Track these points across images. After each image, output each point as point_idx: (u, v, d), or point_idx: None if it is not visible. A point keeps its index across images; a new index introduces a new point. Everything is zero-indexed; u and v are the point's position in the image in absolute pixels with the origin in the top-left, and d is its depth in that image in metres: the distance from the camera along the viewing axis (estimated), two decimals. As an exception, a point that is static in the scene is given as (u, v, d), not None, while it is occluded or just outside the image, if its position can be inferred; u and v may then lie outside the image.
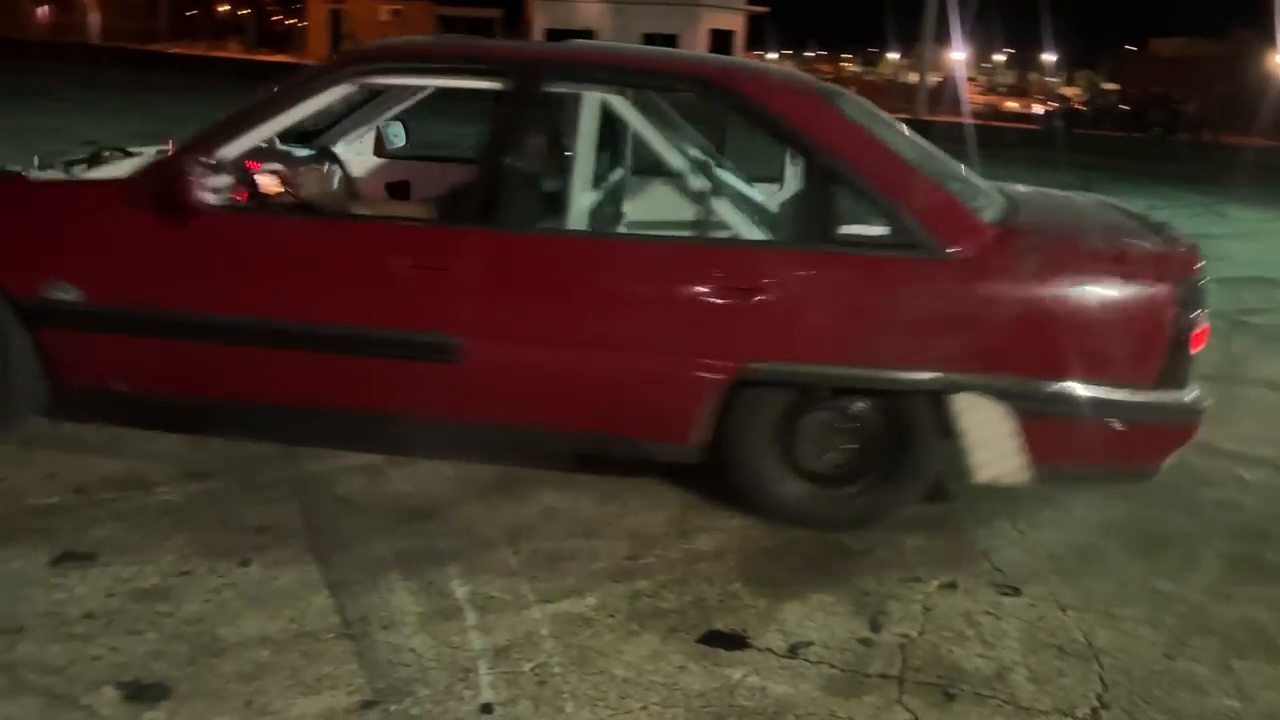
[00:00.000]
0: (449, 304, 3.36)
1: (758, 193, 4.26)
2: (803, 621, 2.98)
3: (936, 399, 3.32)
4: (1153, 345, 3.22)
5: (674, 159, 3.68)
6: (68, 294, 3.46)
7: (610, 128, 3.75)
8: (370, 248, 3.45)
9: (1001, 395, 3.25)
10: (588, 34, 40.05)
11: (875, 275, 3.30)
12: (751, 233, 3.50)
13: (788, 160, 4.28)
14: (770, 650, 2.83)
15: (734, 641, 2.86)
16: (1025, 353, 3.26)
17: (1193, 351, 3.27)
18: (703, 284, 3.30)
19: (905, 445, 3.43)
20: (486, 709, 2.48)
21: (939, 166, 3.76)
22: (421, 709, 2.46)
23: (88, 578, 2.90)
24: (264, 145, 3.83)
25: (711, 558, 3.32)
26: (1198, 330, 3.26)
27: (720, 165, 4.21)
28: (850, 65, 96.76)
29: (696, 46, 43.31)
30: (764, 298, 3.28)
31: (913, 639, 2.94)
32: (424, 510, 3.47)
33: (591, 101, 3.48)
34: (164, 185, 3.32)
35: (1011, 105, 60.18)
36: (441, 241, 3.41)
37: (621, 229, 4.14)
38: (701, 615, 2.97)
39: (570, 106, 3.61)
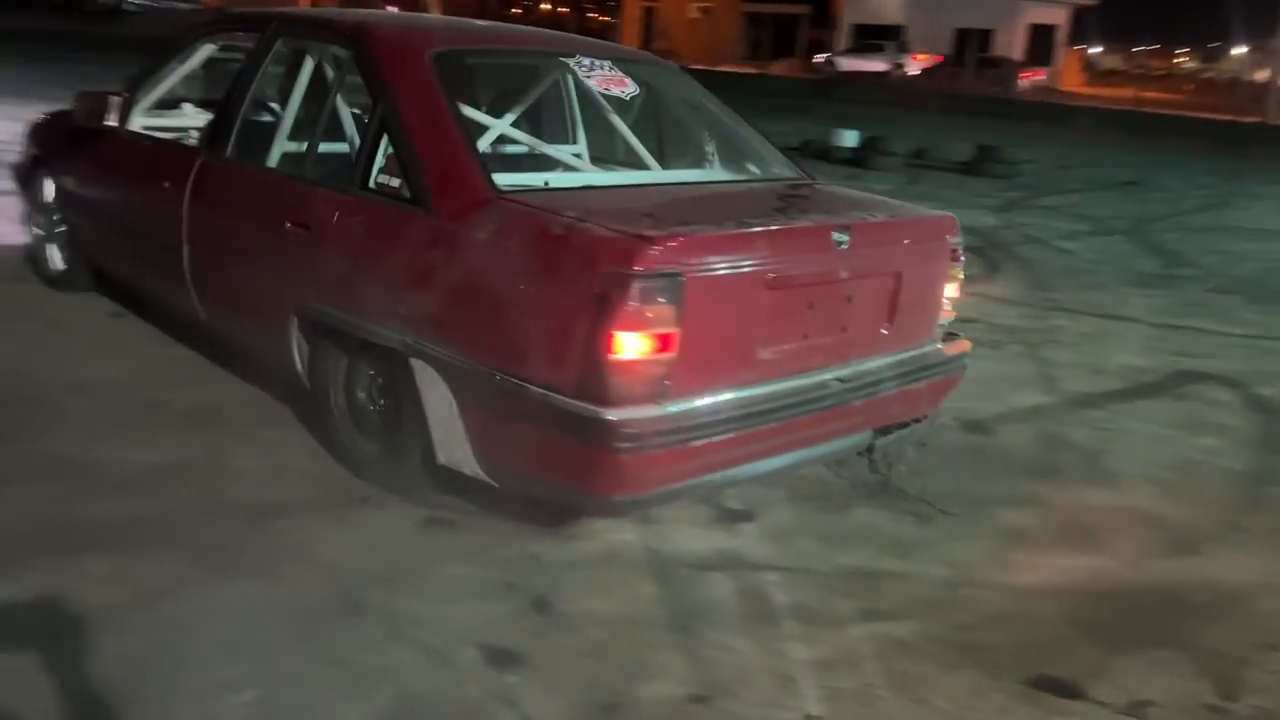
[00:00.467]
0: (177, 213, 3.94)
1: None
2: (1142, 677, 2.82)
3: (405, 361, 3.10)
4: (577, 348, 2.67)
5: (320, 105, 3.70)
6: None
7: (319, 79, 3.88)
8: (145, 165, 4.37)
9: (446, 371, 2.96)
10: (896, 29, 39.26)
11: (374, 224, 3.24)
12: (312, 172, 3.58)
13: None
14: (1106, 704, 2.69)
15: (1065, 689, 2.74)
16: (468, 330, 2.94)
17: (626, 358, 2.63)
18: (275, 219, 3.52)
19: (399, 407, 3.24)
20: (811, 720, 2.53)
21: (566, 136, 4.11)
22: (748, 711, 2.55)
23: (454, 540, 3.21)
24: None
25: (1038, 596, 3.20)
26: (640, 336, 2.63)
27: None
28: (1186, 61, 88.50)
29: (1014, 41, 41.29)
30: (308, 237, 3.38)
31: (1273, 715, 2.70)
32: (743, 512, 3.57)
33: (297, 55, 3.93)
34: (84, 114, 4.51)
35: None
36: (181, 163, 4.02)
37: (271, 165, 3.82)
38: (1028, 657, 2.87)
39: (286, 60, 4.06)
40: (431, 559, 3.10)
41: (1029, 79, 35.74)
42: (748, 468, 3.09)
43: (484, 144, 3.45)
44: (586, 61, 3.68)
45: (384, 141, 3.27)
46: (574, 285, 2.68)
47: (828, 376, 3.15)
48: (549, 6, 69.43)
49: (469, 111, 3.48)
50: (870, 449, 3.52)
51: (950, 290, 3.54)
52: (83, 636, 2.57)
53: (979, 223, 10.26)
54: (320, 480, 3.50)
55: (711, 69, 35.29)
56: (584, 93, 4.03)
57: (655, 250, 2.63)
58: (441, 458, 3.10)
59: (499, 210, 2.95)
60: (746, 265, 2.86)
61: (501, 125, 3.63)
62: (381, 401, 3.35)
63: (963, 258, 3.55)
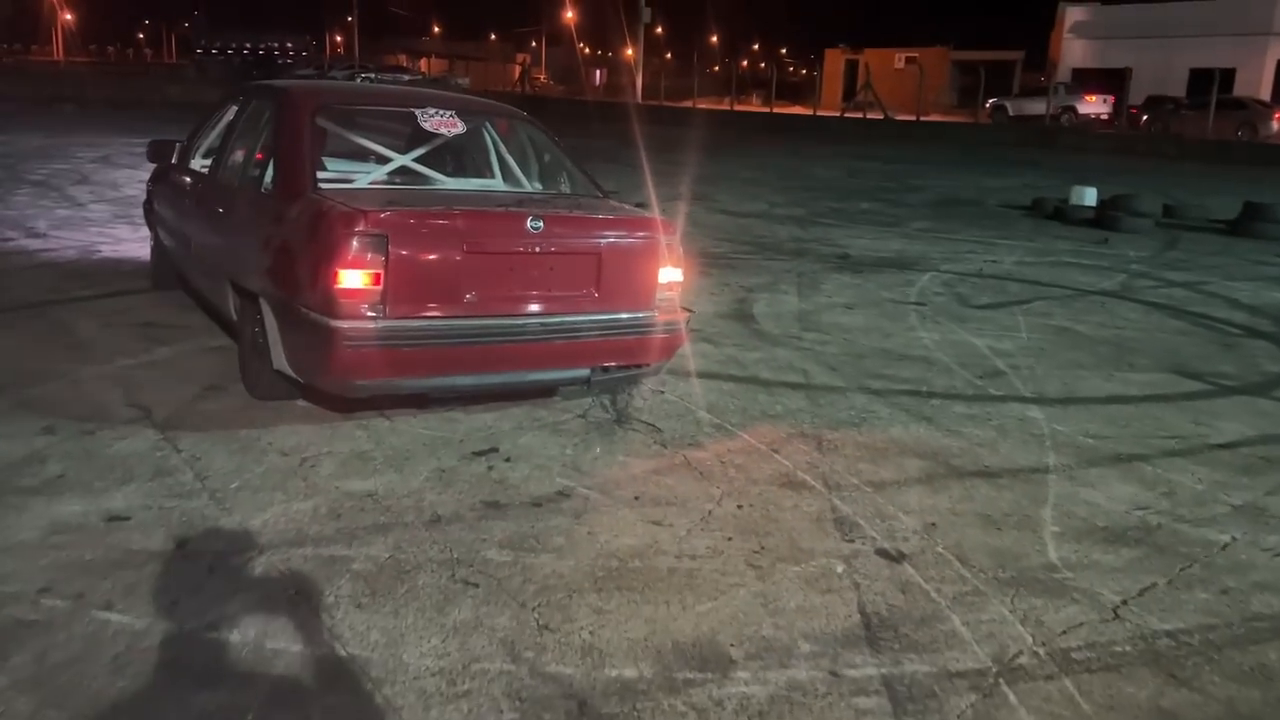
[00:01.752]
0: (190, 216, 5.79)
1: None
2: None
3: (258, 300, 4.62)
4: (322, 281, 4.08)
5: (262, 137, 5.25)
6: None
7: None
8: (182, 189, 6.07)
9: (272, 304, 4.40)
10: (1121, 71, 36.34)
11: (256, 207, 4.81)
12: (249, 179, 5.15)
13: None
14: None
15: None
16: (280, 275, 4.37)
17: (348, 287, 4.02)
18: (222, 211, 5.33)
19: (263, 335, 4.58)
20: None
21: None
22: None
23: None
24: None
25: None
26: (356, 274, 4.04)
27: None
28: None
29: (1261, 79, 37.69)
30: (232, 221, 5.15)
31: None
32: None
33: (260, 108, 5.39)
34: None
35: None
36: (194, 184, 5.87)
37: (234, 179, 5.41)
38: None
39: (255, 111, 5.45)
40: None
41: (1280, 120, 32.23)
42: (463, 377, 4.33)
43: (384, 172, 4.99)
44: (431, 111, 4.99)
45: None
46: (322, 241, 4.06)
47: (530, 321, 4.36)
48: (747, 64, 69.55)
49: (374, 145, 5.13)
50: (588, 381, 4.63)
51: (671, 274, 4.69)
52: None
53: (1269, 301, 8.59)
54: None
55: (915, 119, 33.84)
56: (500, 138, 5.63)
57: (367, 220, 3.99)
58: (275, 364, 4.36)
59: (306, 199, 4.34)
60: (444, 235, 4.18)
61: (403, 159, 5.06)
62: (258, 333, 4.51)
63: (679, 250, 4.74)
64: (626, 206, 5.12)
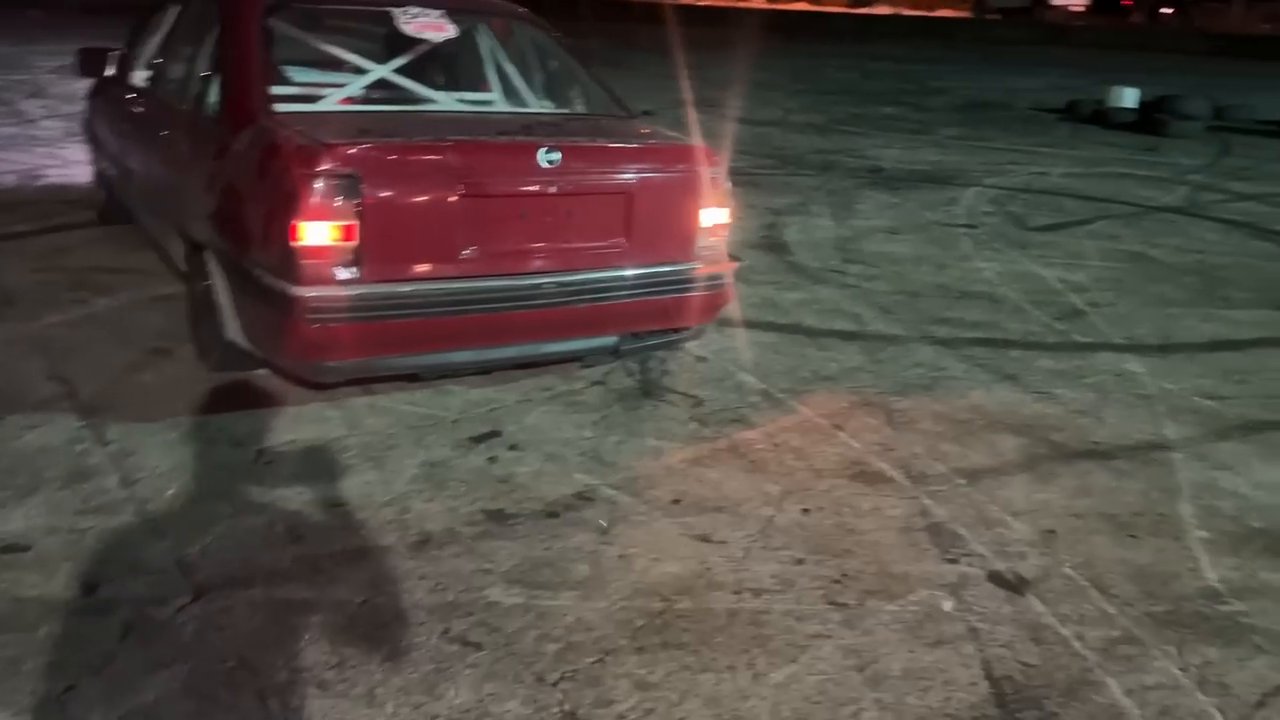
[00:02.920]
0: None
1: None
2: None
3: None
4: (277, 235, 3.15)
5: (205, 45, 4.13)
6: None
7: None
8: (124, 107, 5.02)
9: (222, 260, 3.50)
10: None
11: (197, 135, 3.90)
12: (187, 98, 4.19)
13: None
14: None
15: None
16: (228, 224, 3.47)
17: (310, 244, 3.09)
18: (161, 134, 4.41)
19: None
20: None
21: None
22: None
23: None
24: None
25: None
26: (321, 226, 3.10)
27: None
28: None
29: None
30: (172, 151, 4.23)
31: None
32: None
33: (204, 7, 4.28)
34: None
35: None
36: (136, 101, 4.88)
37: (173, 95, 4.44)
38: None
39: (197, 11, 4.42)
40: None
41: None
42: (462, 353, 3.46)
43: (358, 86, 3.94)
44: (413, 10, 3.94)
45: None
46: (275, 183, 3.17)
47: (545, 280, 3.39)
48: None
49: (342, 52, 4.05)
50: (616, 351, 3.75)
51: (716, 215, 3.71)
52: None
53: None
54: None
55: (928, 12, 32.38)
56: (498, 43, 4.51)
57: (333, 155, 3.09)
58: (228, 334, 3.51)
59: (257, 127, 3.39)
60: (434, 173, 3.22)
61: (380, 70, 3.99)
62: (207, 290, 3.66)
63: (727, 185, 3.74)
64: (661, 131, 4.07)
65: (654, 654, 2.39)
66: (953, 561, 2.83)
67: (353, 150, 3.13)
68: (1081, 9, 35.89)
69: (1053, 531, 3.01)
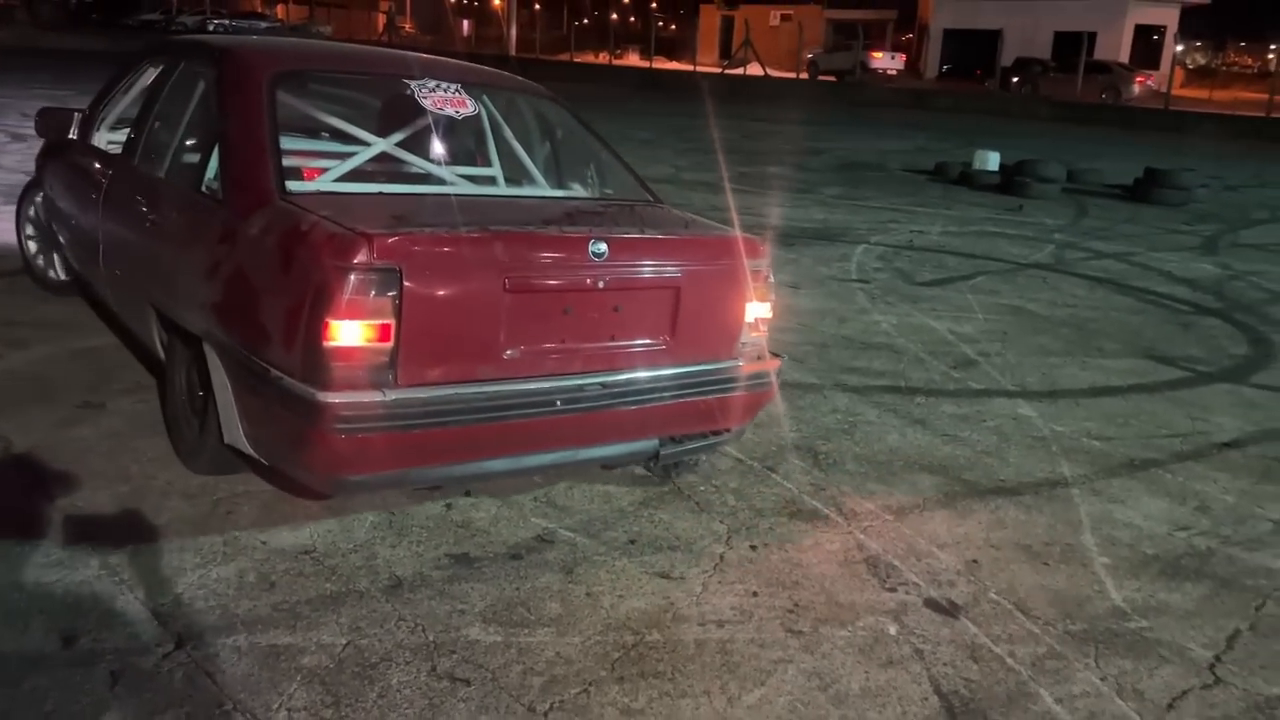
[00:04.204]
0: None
1: None
2: None
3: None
4: (302, 334, 2.79)
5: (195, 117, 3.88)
6: None
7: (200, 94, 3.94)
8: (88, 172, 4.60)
9: (224, 354, 3.13)
10: (994, 34, 37.00)
11: (195, 218, 3.48)
12: (176, 174, 3.83)
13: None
14: None
15: None
16: (236, 316, 3.10)
17: (342, 345, 2.74)
18: (146, 214, 3.91)
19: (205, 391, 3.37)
20: None
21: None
22: None
23: None
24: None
25: None
26: (356, 325, 2.74)
27: None
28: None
29: (1121, 43, 38.87)
30: (160, 230, 3.77)
31: None
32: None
33: (191, 76, 4.03)
34: None
35: None
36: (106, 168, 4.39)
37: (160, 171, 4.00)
38: None
39: (185, 79, 4.08)
40: None
41: (1142, 84, 33.23)
42: (498, 460, 3.10)
43: (359, 161, 3.57)
44: (431, 84, 3.75)
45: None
46: (304, 275, 2.80)
47: (589, 381, 3.14)
48: (617, 17, 68.18)
49: (347, 126, 3.78)
50: (656, 457, 3.44)
51: (759, 310, 3.50)
52: None
53: (1201, 273, 8.49)
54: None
55: (794, 76, 33.72)
56: (496, 120, 4.15)
57: (371, 245, 2.72)
58: (227, 437, 3.17)
59: (273, 209, 3.08)
60: (478, 265, 2.92)
61: (384, 144, 3.68)
62: (197, 386, 3.41)
63: (770, 279, 3.52)
64: (702, 220, 3.90)
65: (634, 683, 2.54)
66: (891, 590, 3.08)
67: (393, 240, 2.77)
68: (895, 73, 38.42)
69: (976, 561, 3.29)
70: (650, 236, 3.40)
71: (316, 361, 2.74)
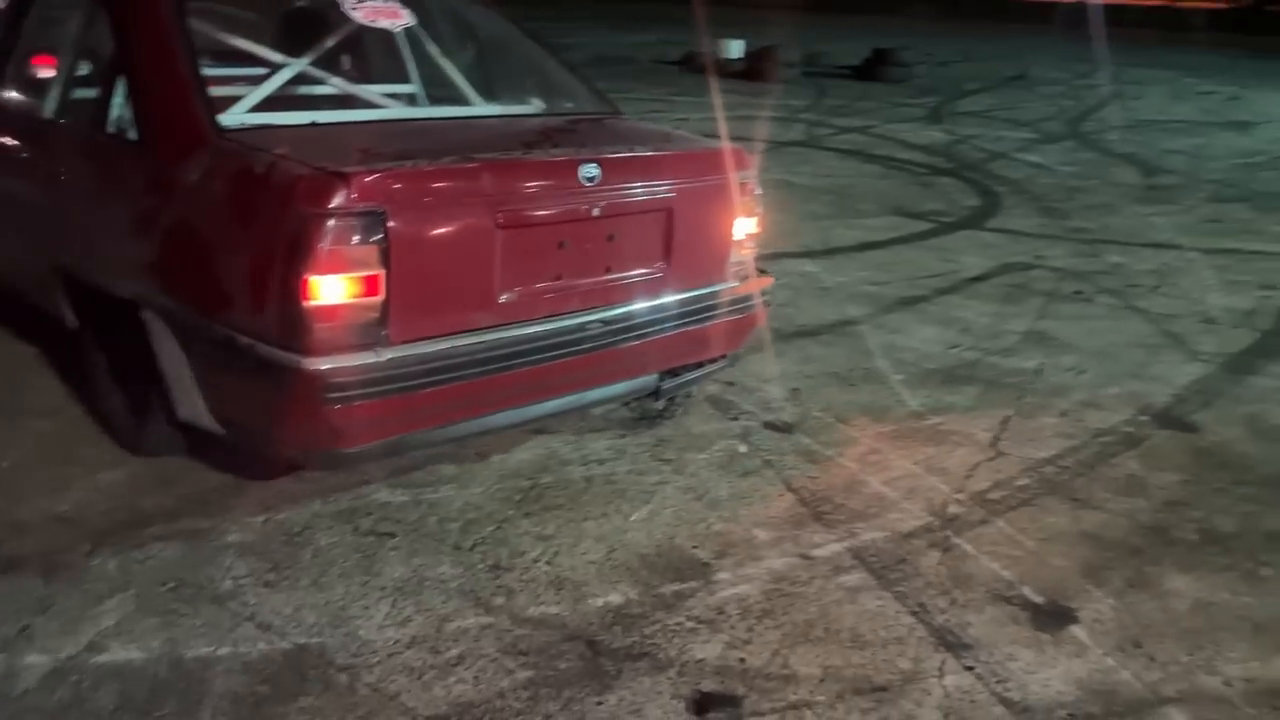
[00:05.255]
0: None
1: None
2: None
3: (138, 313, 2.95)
4: (276, 294, 2.48)
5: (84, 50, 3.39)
6: None
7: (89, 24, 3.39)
8: None
9: (172, 322, 2.80)
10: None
11: (108, 167, 3.12)
12: (69, 117, 3.34)
13: None
14: None
15: None
16: (185, 278, 2.79)
17: (325, 304, 2.43)
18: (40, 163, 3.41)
19: (142, 362, 2.97)
20: None
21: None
22: None
23: None
24: None
25: None
26: (339, 280, 2.42)
27: None
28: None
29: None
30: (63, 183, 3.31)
31: None
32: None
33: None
34: None
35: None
36: None
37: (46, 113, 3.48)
38: None
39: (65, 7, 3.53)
40: None
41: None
42: (500, 414, 2.84)
43: (277, 83, 3.12)
44: None
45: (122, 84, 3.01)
46: (270, 227, 2.50)
47: (589, 319, 2.89)
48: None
49: (257, 49, 3.31)
50: (656, 392, 3.27)
51: (747, 226, 3.26)
52: None
53: (931, 139, 9.49)
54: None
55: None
56: (413, 31, 3.57)
57: (350, 185, 2.40)
58: (181, 413, 2.86)
59: (213, 151, 2.73)
60: (469, 202, 2.64)
61: (300, 64, 3.24)
62: (131, 358, 3.00)
63: (758, 191, 3.28)
64: (679, 132, 3.67)
65: (540, 515, 2.89)
66: (735, 419, 3.55)
67: (374, 178, 2.45)
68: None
69: (797, 389, 3.82)
70: (641, 154, 3.11)
71: (296, 325, 2.42)
